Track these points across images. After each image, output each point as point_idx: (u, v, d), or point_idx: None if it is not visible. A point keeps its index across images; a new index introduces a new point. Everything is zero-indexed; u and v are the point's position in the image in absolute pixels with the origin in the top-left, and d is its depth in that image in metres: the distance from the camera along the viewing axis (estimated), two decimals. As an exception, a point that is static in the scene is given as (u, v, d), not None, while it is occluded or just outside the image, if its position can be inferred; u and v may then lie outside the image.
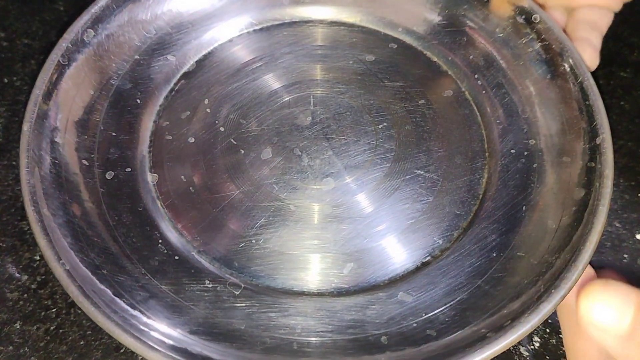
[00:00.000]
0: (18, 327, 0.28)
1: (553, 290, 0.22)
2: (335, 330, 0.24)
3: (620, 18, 0.32)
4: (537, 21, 0.30)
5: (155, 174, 0.29)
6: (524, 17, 0.30)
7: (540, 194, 0.27)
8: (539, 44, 0.30)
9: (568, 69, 0.28)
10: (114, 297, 0.23)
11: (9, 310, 0.28)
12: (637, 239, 0.31)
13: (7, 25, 0.38)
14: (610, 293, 0.20)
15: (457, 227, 0.27)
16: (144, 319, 0.23)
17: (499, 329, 0.22)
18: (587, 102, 0.27)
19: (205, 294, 0.25)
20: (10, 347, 0.28)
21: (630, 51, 0.38)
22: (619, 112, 0.36)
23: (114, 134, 0.30)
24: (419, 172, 0.29)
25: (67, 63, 0.29)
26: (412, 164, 0.29)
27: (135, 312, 0.23)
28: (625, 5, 0.32)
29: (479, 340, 0.22)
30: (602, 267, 0.28)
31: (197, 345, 0.23)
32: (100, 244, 0.26)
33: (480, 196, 0.28)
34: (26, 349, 0.27)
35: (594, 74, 0.29)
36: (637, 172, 0.34)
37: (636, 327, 0.19)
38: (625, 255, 0.31)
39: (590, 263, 0.31)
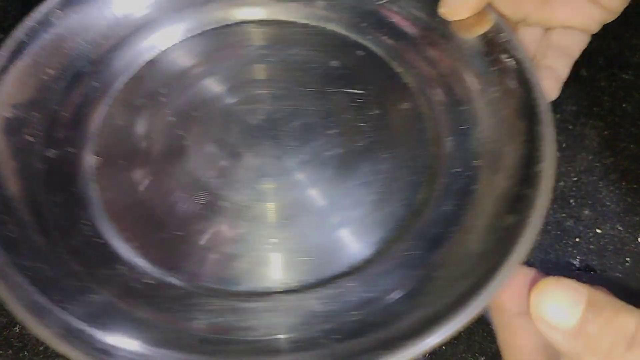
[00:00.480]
0: (17, 330, 0.28)
1: (452, 316, 0.22)
2: (234, 330, 0.24)
3: (622, 19, 0.32)
4: (502, 40, 0.29)
5: (99, 158, 0.29)
6: (491, 35, 0.30)
7: (471, 216, 0.27)
8: (500, 65, 0.29)
9: (523, 93, 0.28)
10: (20, 274, 0.23)
11: (8, 314, 0.28)
12: (640, 242, 0.31)
13: (6, 27, 0.38)
14: (562, 289, 0.20)
15: (385, 241, 0.27)
16: (41, 298, 0.22)
17: (389, 346, 0.21)
18: (535, 128, 0.27)
19: (115, 279, 0.25)
20: (10, 351, 0.27)
21: (631, 53, 0.38)
22: (620, 115, 0.36)
23: (65, 114, 0.29)
24: (360, 181, 0.29)
25: (29, 42, 0.29)
26: (355, 173, 0.29)
27: (40, 295, 0.23)
28: (627, 7, 0.32)
29: (364, 353, 0.22)
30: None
31: (92, 330, 0.22)
32: (23, 218, 0.25)
33: (415, 213, 0.28)
34: (25, 353, 0.27)
35: (595, 74, 0.29)
36: (639, 175, 0.34)
37: (584, 322, 0.19)
38: (628, 259, 0.31)
39: (592, 267, 0.31)
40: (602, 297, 0.20)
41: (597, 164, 0.34)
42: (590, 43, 0.31)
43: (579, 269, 0.31)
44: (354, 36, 0.33)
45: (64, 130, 0.29)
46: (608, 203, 0.33)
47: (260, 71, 0.33)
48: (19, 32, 0.28)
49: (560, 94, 0.29)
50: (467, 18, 0.30)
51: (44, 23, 0.29)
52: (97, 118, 0.30)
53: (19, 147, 0.27)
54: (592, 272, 0.31)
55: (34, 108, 0.28)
